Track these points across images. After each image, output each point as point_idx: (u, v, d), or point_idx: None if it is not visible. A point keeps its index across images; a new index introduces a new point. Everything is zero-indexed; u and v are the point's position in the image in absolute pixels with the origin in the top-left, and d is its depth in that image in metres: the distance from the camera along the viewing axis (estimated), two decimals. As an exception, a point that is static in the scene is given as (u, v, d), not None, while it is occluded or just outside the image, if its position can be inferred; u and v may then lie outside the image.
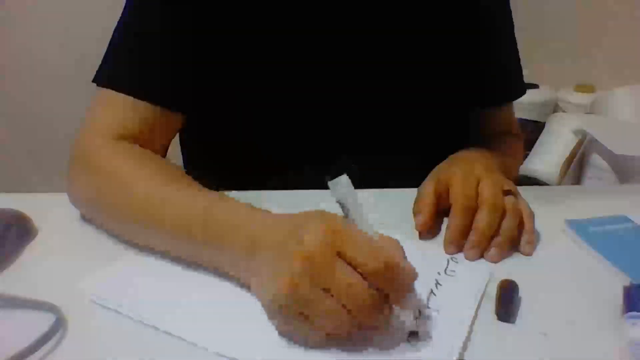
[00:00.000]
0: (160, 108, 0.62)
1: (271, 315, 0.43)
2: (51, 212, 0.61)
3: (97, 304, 0.46)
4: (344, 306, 0.39)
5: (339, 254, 0.40)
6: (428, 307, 0.46)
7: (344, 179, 0.42)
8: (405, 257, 0.43)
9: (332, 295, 0.39)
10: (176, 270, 0.51)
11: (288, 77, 0.66)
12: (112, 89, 0.61)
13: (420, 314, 0.45)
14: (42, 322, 0.43)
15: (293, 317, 0.40)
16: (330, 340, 0.41)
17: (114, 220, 0.56)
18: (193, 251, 0.50)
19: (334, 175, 0.42)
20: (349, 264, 0.40)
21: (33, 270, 0.52)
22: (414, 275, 0.42)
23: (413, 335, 0.43)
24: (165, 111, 0.62)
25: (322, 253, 0.39)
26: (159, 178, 0.55)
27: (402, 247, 0.44)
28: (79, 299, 0.47)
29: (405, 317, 0.43)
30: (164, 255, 0.53)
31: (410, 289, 0.42)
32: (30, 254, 0.55)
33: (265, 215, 0.48)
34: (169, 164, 0.60)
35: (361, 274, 0.39)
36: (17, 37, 1.72)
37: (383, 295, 0.40)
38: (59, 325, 0.43)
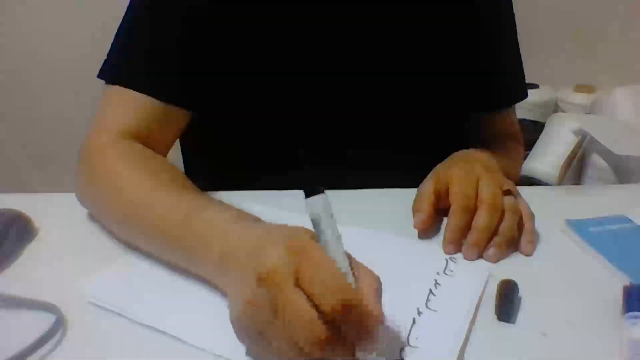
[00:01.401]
0: (167, 104, 0.62)
1: (236, 335, 0.40)
2: (51, 212, 0.61)
3: (97, 306, 0.46)
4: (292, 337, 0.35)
5: (297, 279, 0.36)
6: (427, 307, 0.46)
7: (322, 197, 0.39)
8: (378, 297, 0.38)
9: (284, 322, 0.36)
10: (176, 271, 0.51)
11: (292, 81, 0.66)
12: (120, 84, 0.61)
13: (403, 351, 0.41)
14: (42, 322, 0.43)
15: (254, 337, 0.38)
16: None
17: (108, 220, 0.57)
18: (173, 259, 0.51)
19: (308, 190, 0.39)
20: (306, 292, 0.35)
21: (33, 270, 0.52)
22: (380, 320, 0.36)
23: None
24: (173, 108, 0.63)
25: (276, 275, 0.36)
26: (149, 183, 0.55)
27: (379, 284, 0.39)
28: (79, 299, 0.47)
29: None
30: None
31: (373, 334, 0.36)
32: (30, 254, 0.55)
33: (239, 229, 0.45)
34: (166, 165, 0.60)
35: (316, 307, 0.35)
36: (17, 37, 1.72)
37: (339, 333, 0.35)
38: (59, 325, 0.43)
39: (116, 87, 0.62)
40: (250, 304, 0.37)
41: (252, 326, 0.38)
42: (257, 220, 0.47)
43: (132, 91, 0.61)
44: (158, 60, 0.62)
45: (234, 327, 0.40)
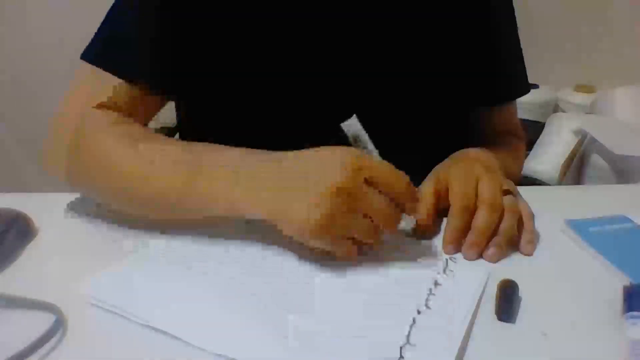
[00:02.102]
0: (140, 87, 0.63)
1: (310, 240, 0.50)
2: (51, 212, 0.62)
3: (97, 306, 0.46)
4: (372, 221, 0.50)
5: (366, 180, 0.48)
6: (427, 307, 0.46)
7: (354, 120, 0.53)
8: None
9: (364, 215, 0.49)
10: (176, 271, 0.51)
11: (283, 69, 0.66)
12: (97, 64, 0.63)
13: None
14: (42, 322, 0.43)
15: (337, 239, 0.50)
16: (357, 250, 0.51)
17: (101, 194, 0.60)
18: (181, 217, 0.57)
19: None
20: (375, 186, 0.49)
21: (33, 270, 0.52)
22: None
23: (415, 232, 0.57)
24: (144, 91, 0.64)
25: (352, 185, 0.48)
26: (142, 152, 0.57)
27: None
28: (79, 299, 0.47)
29: (407, 222, 0.56)
30: (163, 256, 0.54)
31: (418, 201, 0.53)
32: (30, 254, 0.55)
33: (255, 168, 0.53)
34: (148, 131, 0.62)
35: (388, 194, 0.49)
36: (17, 36, 1.72)
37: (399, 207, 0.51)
38: (59, 325, 0.43)
39: (91, 67, 0.63)
40: (332, 211, 0.47)
41: (337, 226, 0.48)
42: (262, 153, 0.55)
43: (105, 72, 0.62)
44: (130, 44, 0.63)
45: (314, 238, 0.49)
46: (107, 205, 0.60)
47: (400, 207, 0.51)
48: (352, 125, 0.53)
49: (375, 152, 0.54)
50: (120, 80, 0.62)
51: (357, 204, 0.48)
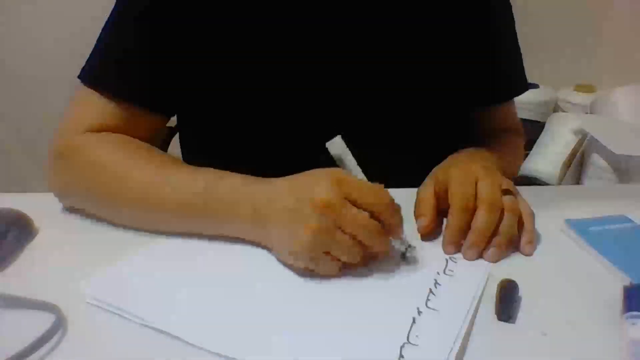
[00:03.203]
0: (139, 107, 0.64)
1: (296, 262, 0.50)
2: (51, 212, 0.62)
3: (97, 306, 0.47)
4: (355, 238, 0.48)
5: (348, 199, 0.48)
6: (427, 307, 0.46)
7: (338, 139, 0.52)
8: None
9: (347, 232, 0.48)
10: (175, 271, 0.51)
11: (282, 77, 0.66)
12: (92, 87, 0.63)
13: (410, 247, 0.53)
14: (42, 322, 0.43)
15: (318, 257, 0.49)
16: (343, 269, 0.50)
17: (110, 209, 0.59)
18: (196, 228, 0.55)
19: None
20: (356, 205, 0.48)
21: (33, 270, 0.52)
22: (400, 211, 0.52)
23: (403, 258, 0.53)
24: (144, 111, 0.64)
25: (335, 201, 0.48)
26: (153, 164, 0.58)
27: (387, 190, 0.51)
28: (79, 299, 0.47)
29: (398, 245, 0.53)
30: (162, 256, 0.54)
31: (401, 223, 0.52)
32: (30, 254, 0.55)
33: (265, 186, 0.53)
34: (153, 149, 0.63)
35: (370, 213, 0.49)
36: (17, 36, 1.72)
37: (383, 226, 0.50)
38: (59, 325, 0.43)
39: (88, 89, 0.63)
40: (317, 230, 0.47)
41: (320, 248, 0.48)
42: (266, 180, 0.54)
43: (101, 93, 0.63)
44: (128, 65, 0.64)
45: (296, 257, 0.49)
46: (108, 217, 0.59)
47: (385, 228, 0.50)
48: (337, 146, 0.52)
49: (361, 175, 0.53)
50: (116, 102, 0.62)
51: (339, 220, 0.48)
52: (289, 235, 0.49)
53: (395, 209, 0.51)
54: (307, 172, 0.52)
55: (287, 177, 0.53)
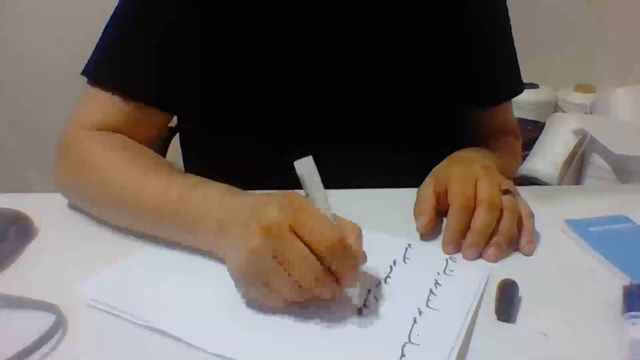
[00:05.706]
0: (144, 105, 0.64)
1: (237, 284, 0.46)
2: (51, 212, 0.62)
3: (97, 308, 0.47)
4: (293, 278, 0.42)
5: (294, 230, 0.42)
6: (428, 307, 0.46)
7: (308, 159, 0.44)
8: (359, 240, 0.45)
9: (283, 266, 0.42)
10: (175, 271, 0.52)
11: (280, 76, 0.66)
12: (99, 83, 0.63)
13: (370, 293, 0.47)
14: (42, 322, 0.43)
15: (255, 284, 0.44)
16: (291, 306, 0.44)
17: (95, 207, 0.60)
18: (169, 235, 0.54)
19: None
20: (302, 239, 0.42)
21: (33, 270, 0.52)
22: (362, 259, 0.45)
23: (360, 312, 0.45)
24: (149, 108, 0.64)
25: (278, 226, 0.42)
26: (137, 169, 0.58)
27: (360, 231, 0.45)
28: (78, 299, 0.47)
29: (352, 295, 0.46)
30: (162, 256, 0.54)
31: (356, 270, 0.44)
32: (30, 254, 0.55)
33: (235, 199, 0.50)
34: (148, 152, 0.63)
35: (312, 250, 0.42)
36: (17, 36, 1.72)
37: (329, 272, 0.43)
38: (59, 325, 0.43)
39: (95, 86, 0.63)
40: (255, 252, 0.42)
41: (255, 273, 0.43)
42: (248, 192, 0.52)
43: (110, 89, 0.62)
44: (135, 61, 0.64)
45: (236, 277, 0.45)
46: (98, 214, 0.60)
47: (336, 272, 0.43)
48: (302, 166, 0.44)
49: (322, 203, 0.45)
50: (120, 98, 0.62)
51: (277, 251, 0.42)
52: (234, 253, 0.45)
53: (348, 253, 0.42)
54: (274, 192, 0.47)
55: (260, 192, 0.50)
